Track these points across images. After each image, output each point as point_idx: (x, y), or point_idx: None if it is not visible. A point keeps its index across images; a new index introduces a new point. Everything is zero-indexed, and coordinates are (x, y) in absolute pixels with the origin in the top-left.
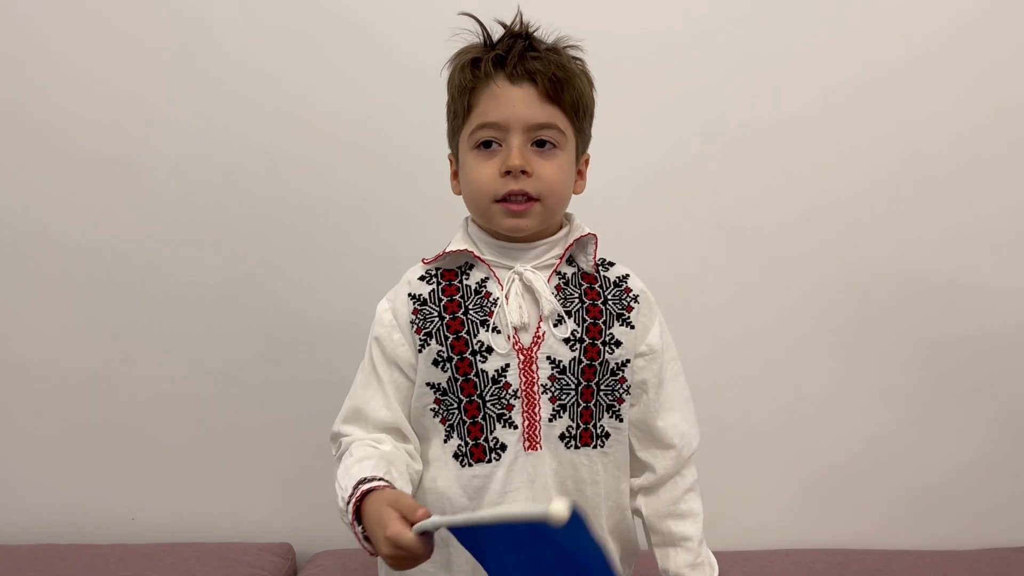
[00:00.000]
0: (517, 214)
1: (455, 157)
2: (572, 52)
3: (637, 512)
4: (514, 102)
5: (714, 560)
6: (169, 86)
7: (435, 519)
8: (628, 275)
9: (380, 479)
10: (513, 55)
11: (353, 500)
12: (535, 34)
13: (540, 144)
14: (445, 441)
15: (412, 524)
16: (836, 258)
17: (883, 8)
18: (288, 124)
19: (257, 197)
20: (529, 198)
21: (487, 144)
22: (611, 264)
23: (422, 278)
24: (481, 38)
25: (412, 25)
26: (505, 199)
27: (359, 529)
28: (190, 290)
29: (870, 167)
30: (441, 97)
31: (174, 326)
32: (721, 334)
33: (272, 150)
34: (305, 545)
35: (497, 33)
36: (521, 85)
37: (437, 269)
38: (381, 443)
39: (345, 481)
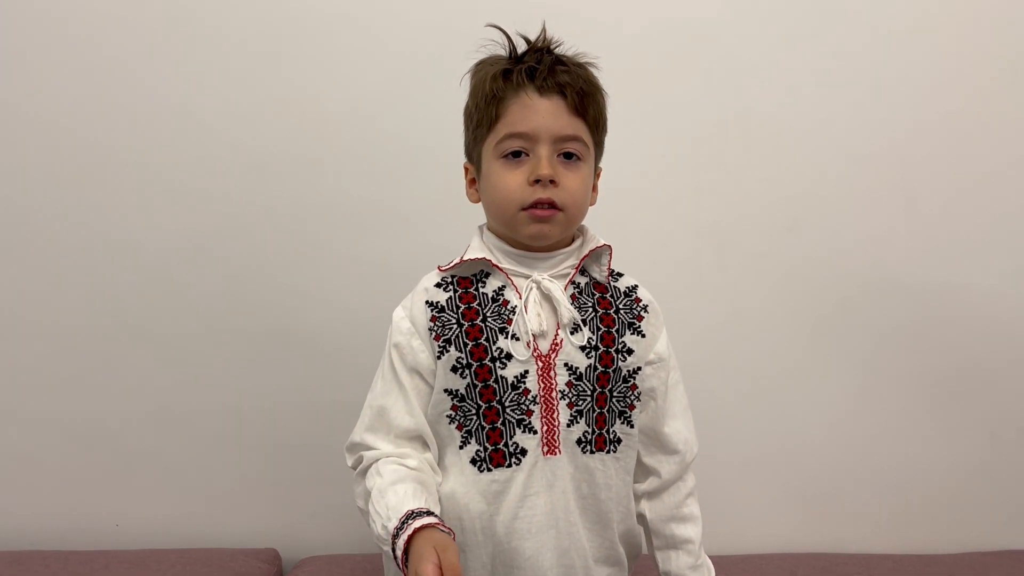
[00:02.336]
0: (542, 219)
1: (475, 165)
2: (590, 68)
3: (641, 516)
4: (543, 113)
5: (711, 563)
6: (165, 88)
7: None
8: (636, 286)
9: (428, 513)
10: (543, 68)
11: (405, 535)
12: (556, 50)
13: (566, 156)
14: (461, 447)
15: None
16: (819, 264)
17: (861, 15)
18: (285, 125)
19: (249, 201)
20: (553, 206)
21: (515, 154)
22: (620, 275)
23: (438, 285)
24: (507, 50)
25: (424, 28)
26: (531, 207)
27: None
28: (176, 294)
29: (852, 172)
30: (450, 104)
31: (159, 331)
32: (704, 341)
33: (268, 151)
34: (291, 551)
35: (520, 47)
36: (550, 97)
37: (453, 277)
38: (406, 459)
39: (383, 507)
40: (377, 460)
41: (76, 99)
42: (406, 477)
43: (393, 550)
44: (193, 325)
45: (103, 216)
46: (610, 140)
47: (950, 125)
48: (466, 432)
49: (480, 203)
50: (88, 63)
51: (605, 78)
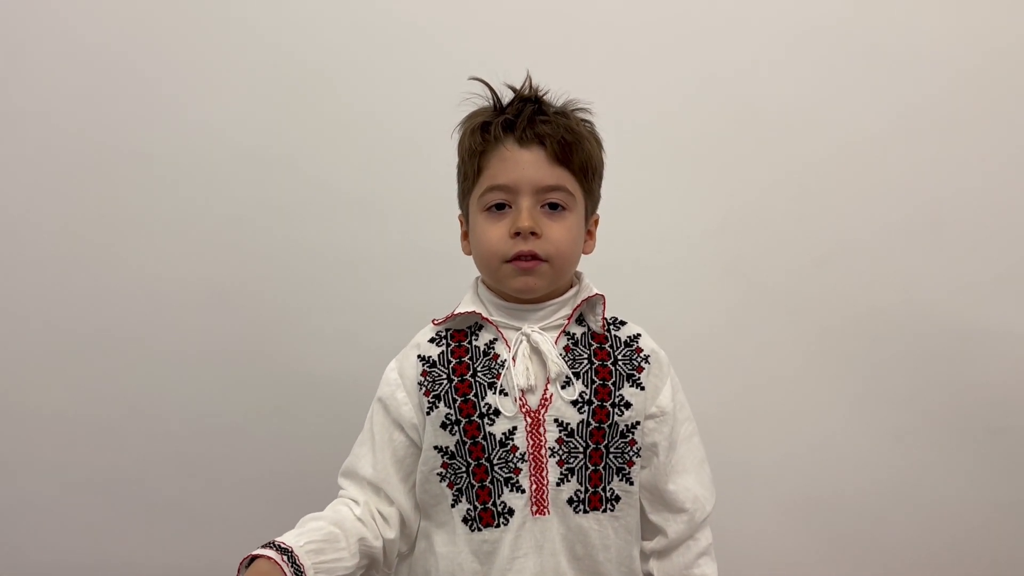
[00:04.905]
0: (526, 271)
1: (465, 218)
2: (581, 115)
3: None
4: (523, 165)
5: None
6: (192, 135)
7: None
8: (639, 335)
9: (284, 549)
10: (522, 119)
11: (248, 555)
12: (544, 97)
13: (551, 207)
14: (453, 506)
15: None
16: (848, 304)
17: (892, 58)
18: (300, 176)
19: (268, 250)
20: (536, 258)
21: (499, 207)
22: (622, 323)
23: (432, 340)
24: (491, 102)
25: (427, 81)
26: (514, 259)
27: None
28: (200, 343)
29: (881, 213)
30: (453, 151)
31: (183, 380)
32: (733, 382)
33: (284, 202)
34: None
35: (506, 97)
36: (530, 148)
37: (447, 330)
38: (354, 507)
39: None
40: (336, 500)
41: (102, 145)
42: (323, 517)
43: None
44: (216, 371)
45: (125, 262)
46: (631, 181)
47: (983, 167)
48: (457, 490)
49: (472, 255)
50: (119, 107)
51: (622, 120)
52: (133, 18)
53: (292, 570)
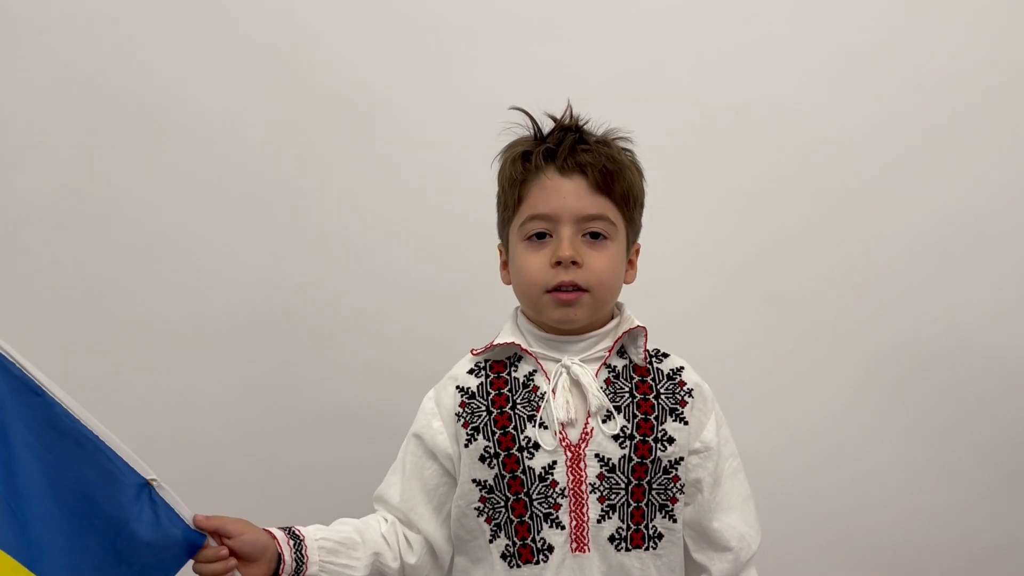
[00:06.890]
0: (566, 303)
1: (504, 247)
2: (622, 143)
3: None
4: (564, 194)
5: None
6: (226, 169)
7: None
8: (683, 367)
9: (296, 536)
10: (564, 147)
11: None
12: (585, 127)
13: (593, 236)
14: (491, 541)
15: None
16: (889, 332)
17: (928, 81)
18: (335, 203)
19: (302, 277)
20: (578, 288)
21: (539, 236)
22: (665, 355)
23: (471, 371)
24: (532, 131)
25: (466, 108)
26: (555, 289)
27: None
28: (234, 371)
29: (921, 239)
30: (493, 180)
31: (218, 408)
32: (772, 412)
33: (318, 230)
34: None
35: (547, 127)
36: (572, 177)
37: (486, 361)
38: (385, 523)
39: None
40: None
41: (144, 174)
42: (350, 523)
43: None
44: (254, 399)
45: (165, 290)
46: (669, 212)
47: (1020, 182)
48: (495, 525)
49: (512, 285)
50: (160, 138)
51: (659, 150)
52: (179, 66)
53: (295, 556)
